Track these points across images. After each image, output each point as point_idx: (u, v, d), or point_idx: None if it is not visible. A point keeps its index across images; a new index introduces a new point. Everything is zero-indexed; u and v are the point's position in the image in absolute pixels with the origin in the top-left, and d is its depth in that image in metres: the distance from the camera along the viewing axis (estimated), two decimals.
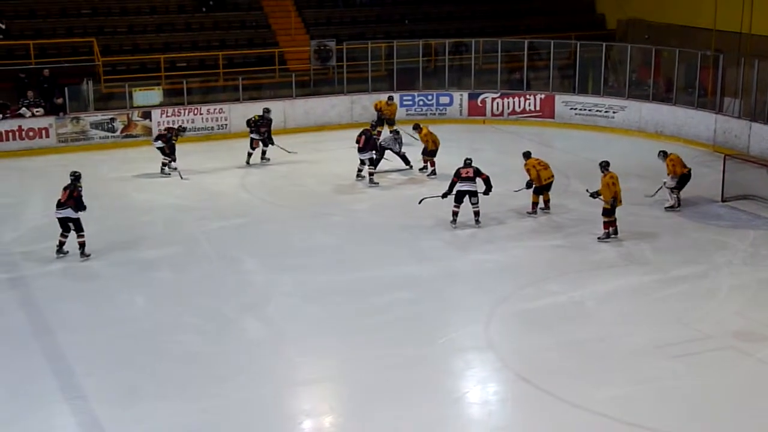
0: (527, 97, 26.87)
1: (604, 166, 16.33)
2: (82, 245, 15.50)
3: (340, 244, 16.31)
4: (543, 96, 26.73)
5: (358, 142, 20.29)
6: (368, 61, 27.34)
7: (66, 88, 24.14)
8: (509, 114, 26.66)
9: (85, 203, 15.49)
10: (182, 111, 25.07)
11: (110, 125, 24.50)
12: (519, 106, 26.89)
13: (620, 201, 16.07)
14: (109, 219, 17.90)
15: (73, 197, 15.41)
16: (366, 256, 15.72)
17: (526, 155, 17.96)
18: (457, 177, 16.95)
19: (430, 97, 26.81)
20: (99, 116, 24.40)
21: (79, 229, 15.50)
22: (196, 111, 25.25)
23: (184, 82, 25.37)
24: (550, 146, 23.61)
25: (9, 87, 24.42)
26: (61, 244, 15.55)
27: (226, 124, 25.54)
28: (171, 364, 11.62)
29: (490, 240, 16.44)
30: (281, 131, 25.03)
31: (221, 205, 18.93)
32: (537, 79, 27.57)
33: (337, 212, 18.25)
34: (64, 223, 15.48)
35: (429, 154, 20.89)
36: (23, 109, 23.65)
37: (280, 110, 25.73)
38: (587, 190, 16.56)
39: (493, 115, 26.85)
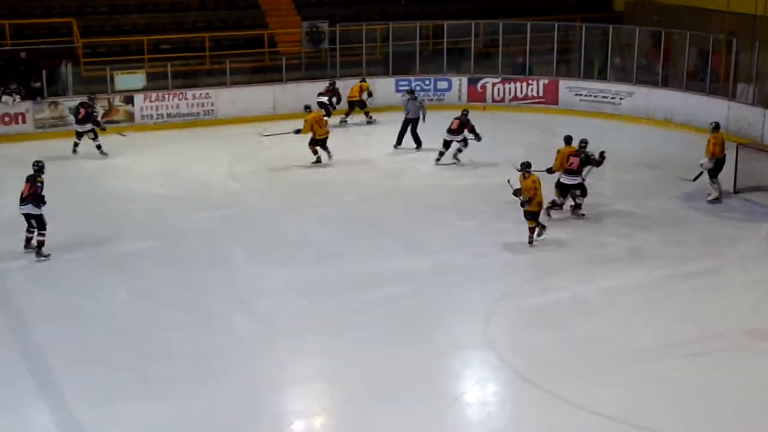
0: (530, 82, 26.89)
1: (526, 167, 15.67)
2: (40, 244, 15.23)
3: (333, 237, 16.33)
4: (546, 81, 26.76)
5: (451, 125, 20.65)
6: (363, 44, 27.31)
7: (43, 71, 24.09)
8: (511, 100, 26.71)
9: (46, 198, 15.31)
10: (166, 96, 25.04)
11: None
12: (521, 92, 26.91)
13: (540, 204, 15.61)
14: (90, 208, 17.93)
15: (31, 192, 15.21)
16: (360, 249, 15.73)
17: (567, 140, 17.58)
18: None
19: (427, 82, 26.82)
20: (78, 101, 24.30)
21: (41, 227, 15.25)
22: (181, 96, 25.21)
23: (169, 66, 25.31)
24: (554, 134, 23.58)
25: None
26: (28, 240, 15.43)
27: (212, 110, 25.52)
28: (155, 362, 11.63)
29: (491, 233, 16.46)
30: (270, 117, 25.05)
31: (208, 194, 18.94)
32: (540, 63, 27.56)
33: (330, 203, 18.26)
34: (27, 218, 15.35)
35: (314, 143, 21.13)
36: (5, 97, 23.60)
37: (270, 95, 25.71)
38: (508, 181, 15.86)
39: (494, 101, 26.87)
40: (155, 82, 25.38)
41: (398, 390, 10.95)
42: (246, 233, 16.56)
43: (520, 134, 23.89)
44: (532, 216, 15.51)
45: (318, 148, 20.80)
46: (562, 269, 14.77)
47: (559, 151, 17.27)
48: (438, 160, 20.82)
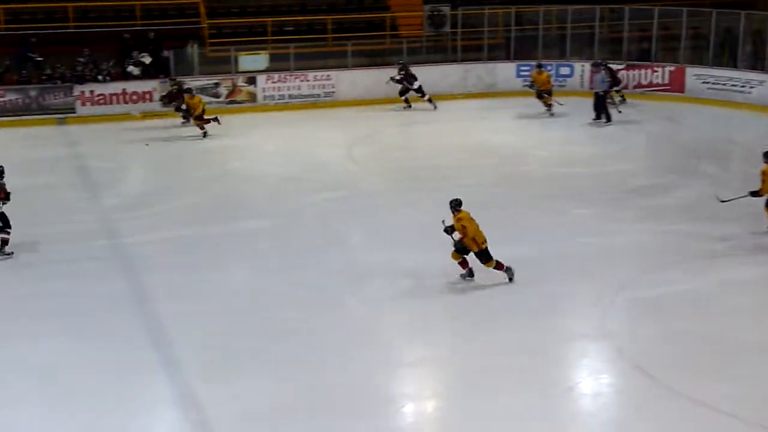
0: (655, 69, 26.33)
1: (455, 205, 13.57)
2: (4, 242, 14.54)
3: (445, 220, 16.26)
4: (673, 68, 26.15)
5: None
6: (484, 28, 27.18)
7: (171, 51, 24.72)
8: (635, 87, 26.20)
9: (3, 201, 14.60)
10: (288, 77, 25.40)
11: (214, 90, 25.00)
12: (645, 79, 26.37)
13: (482, 244, 13.41)
14: (210, 187, 18.34)
15: None
16: None
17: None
18: None
19: (549, 68, 26.50)
20: (203, 80, 24.91)
21: (6, 225, 14.53)
22: (302, 77, 25.57)
23: (292, 47, 25.66)
24: (679, 123, 23.12)
25: (114, 48, 25.12)
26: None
27: (333, 92, 25.80)
28: (270, 341, 11.81)
29: (609, 222, 16.21)
30: (389, 100, 25.17)
31: (327, 176, 19.15)
32: (667, 49, 26.94)
33: (446, 187, 18.21)
34: None
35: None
36: (131, 67, 24.33)
37: (389, 77, 25.84)
38: (443, 222, 13.75)
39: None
40: (278, 64, 25.79)
41: (511, 377, 10.88)
42: (362, 215, 16.68)
43: (644, 122, 23.44)
44: (458, 250, 13.67)
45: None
46: (681, 261, 14.44)
47: (764, 173, 15.15)
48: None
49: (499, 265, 13.44)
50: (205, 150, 21.31)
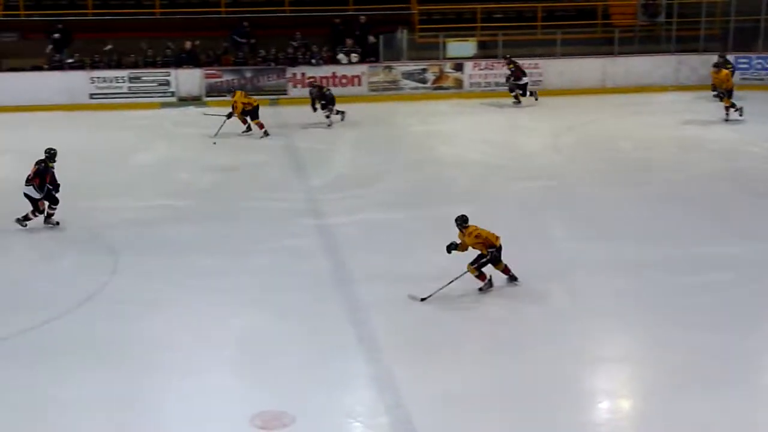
0: None
1: (461, 222, 12.79)
2: (25, 218, 14.88)
3: (655, 216, 15.81)
4: None
5: None
6: (701, 18, 26.18)
7: (381, 36, 25.09)
8: None
9: (54, 193, 14.93)
10: (495, 64, 25.28)
11: (421, 76, 25.21)
12: None
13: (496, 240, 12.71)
14: (415, 172, 18.50)
15: (35, 179, 14.75)
16: (681, 231, 15.12)
17: None
18: None
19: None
20: (411, 66, 25.16)
21: (35, 210, 14.85)
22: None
23: (500, 35, 25.53)
24: None
25: (325, 33, 25.73)
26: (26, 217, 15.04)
27: (540, 80, 25.51)
28: (470, 327, 11.80)
29: None
30: (599, 90, 24.67)
31: (530, 164, 18.96)
32: None
33: (654, 181, 17.73)
34: (27, 198, 14.89)
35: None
36: (340, 55, 24.87)
37: (599, 68, 25.31)
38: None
39: None
40: (485, 51, 25.73)
41: (715, 381, 10.42)
42: (565, 206, 16.39)
43: None
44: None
45: None
46: None
47: None
48: None
49: (506, 270, 12.84)
50: (412, 135, 21.52)
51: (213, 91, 24.92)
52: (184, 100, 24.40)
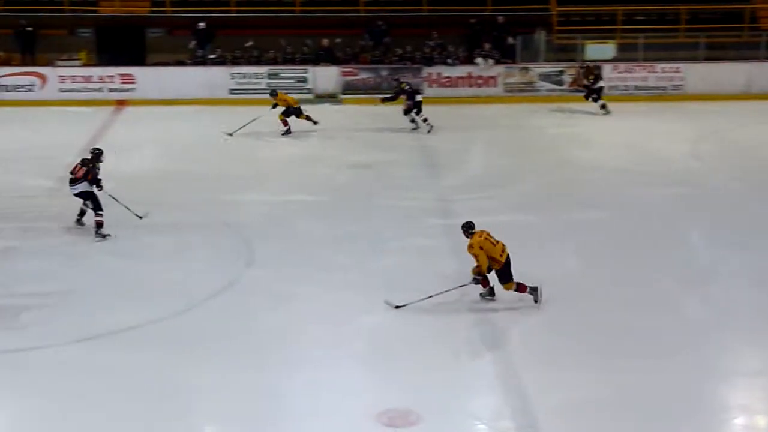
0: None
1: (467, 228, 12.13)
2: (99, 224, 14.62)
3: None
4: None
5: None
6: None
7: (518, 37, 24.93)
8: None
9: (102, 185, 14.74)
10: (635, 68, 24.82)
11: (558, 78, 24.94)
12: None
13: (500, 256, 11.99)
14: (549, 175, 18.34)
15: (87, 178, 14.59)
16: None
17: None
18: None
19: None
20: (548, 68, 24.92)
21: (96, 208, 14.66)
22: (650, 68, 24.89)
23: (641, 37, 25.04)
24: None
25: (461, 33, 25.74)
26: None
27: (681, 85, 24.94)
28: (596, 333, 11.54)
29: None
30: (742, 96, 23.96)
31: (667, 170, 18.52)
32: None
33: None
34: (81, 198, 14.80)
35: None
36: (479, 59, 24.82)
37: (744, 73, 24.56)
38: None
39: None
40: (625, 53, 25.27)
41: None
42: (706, 214, 15.91)
43: None
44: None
45: None
46: None
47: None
48: None
49: (521, 287, 12.11)
50: (547, 137, 21.33)
51: (349, 88, 25.18)
52: (321, 97, 24.72)
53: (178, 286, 12.91)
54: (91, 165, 14.73)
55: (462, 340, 11.37)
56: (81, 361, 10.78)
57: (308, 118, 21.49)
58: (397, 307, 12.01)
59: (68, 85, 25.10)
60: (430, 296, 11.94)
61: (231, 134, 21.29)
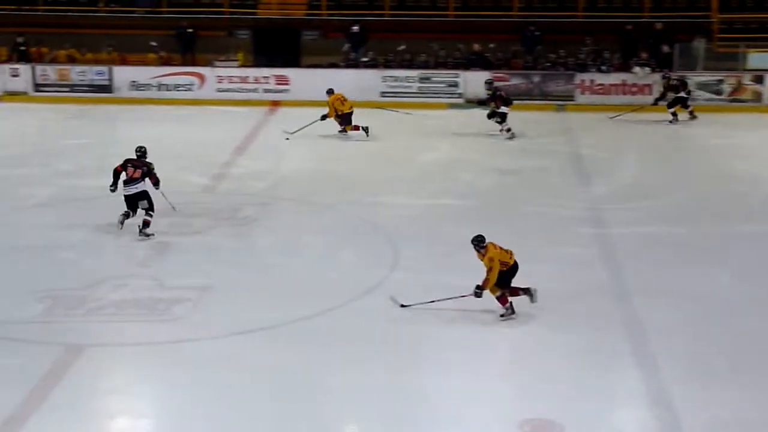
0: None
1: (478, 242, 11.81)
2: (146, 223, 14.67)
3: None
4: None
5: None
6: None
7: (676, 45, 24.32)
8: None
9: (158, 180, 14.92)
10: None
11: (717, 87, 24.23)
12: None
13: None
14: (703, 186, 17.89)
15: (145, 178, 14.67)
16: None
17: None
18: None
19: None
20: (706, 77, 24.23)
21: (150, 208, 14.67)
22: None
23: None
24: None
25: (614, 39, 25.30)
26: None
27: None
28: (748, 351, 11.16)
29: None
30: None
31: None
32: None
33: None
34: (133, 201, 14.66)
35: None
36: (636, 68, 24.35)
37: None
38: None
39: None
40: None
41: None
42: None
43: None
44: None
45: None
46: None
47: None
48: None
49: (513, 292, 11.87)
50: (703, 147, 20.80)
51: None
52: (471, 102, 24.67)
53: (324, 286, 13.09)
54: (145, 168, 14.76)
55: (608, 351, 11.15)
56: (231, 355, 11.01)
57: (357, 127, 21.43)
58: (402, 306, 12.05)
59: (225, 85, 25.81)
60: (432, 301, 11.99)
61: (288, 138, 21.37)
